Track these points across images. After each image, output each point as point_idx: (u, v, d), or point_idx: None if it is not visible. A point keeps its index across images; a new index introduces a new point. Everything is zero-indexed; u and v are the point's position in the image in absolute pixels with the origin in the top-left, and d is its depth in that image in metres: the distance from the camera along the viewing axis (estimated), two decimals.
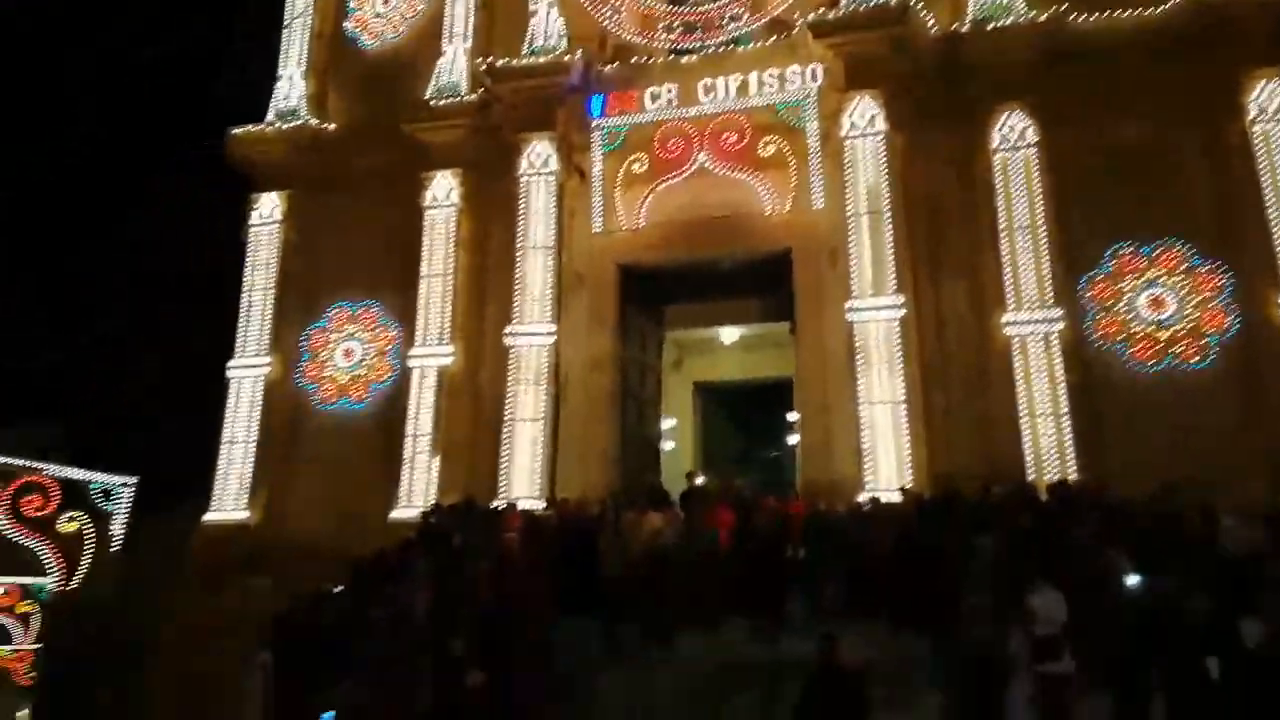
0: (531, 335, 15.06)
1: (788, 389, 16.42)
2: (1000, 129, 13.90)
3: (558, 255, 15.41)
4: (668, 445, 17.80)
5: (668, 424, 17.85)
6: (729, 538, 11.19)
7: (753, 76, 15.29)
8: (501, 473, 14.62)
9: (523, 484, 14.42)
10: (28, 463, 17.89)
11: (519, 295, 15.24)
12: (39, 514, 17.01)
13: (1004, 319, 13.31)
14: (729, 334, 18.14)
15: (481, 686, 8.11)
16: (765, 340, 17.79)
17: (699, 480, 13.56)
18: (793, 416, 16.14)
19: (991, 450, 12.93)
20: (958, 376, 13.57)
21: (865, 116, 14.31)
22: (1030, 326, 13.15)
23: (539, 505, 13.54)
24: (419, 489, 15.04)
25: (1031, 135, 13.78)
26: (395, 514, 14.80)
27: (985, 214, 13.80)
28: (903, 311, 13.56)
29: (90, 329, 24.13)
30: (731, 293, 16.46)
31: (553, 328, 15.12)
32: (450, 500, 13.88)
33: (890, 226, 13.83)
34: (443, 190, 16.27)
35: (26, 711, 25.53)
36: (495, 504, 13.64)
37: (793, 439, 16.81)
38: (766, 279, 15.40)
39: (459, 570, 10.81)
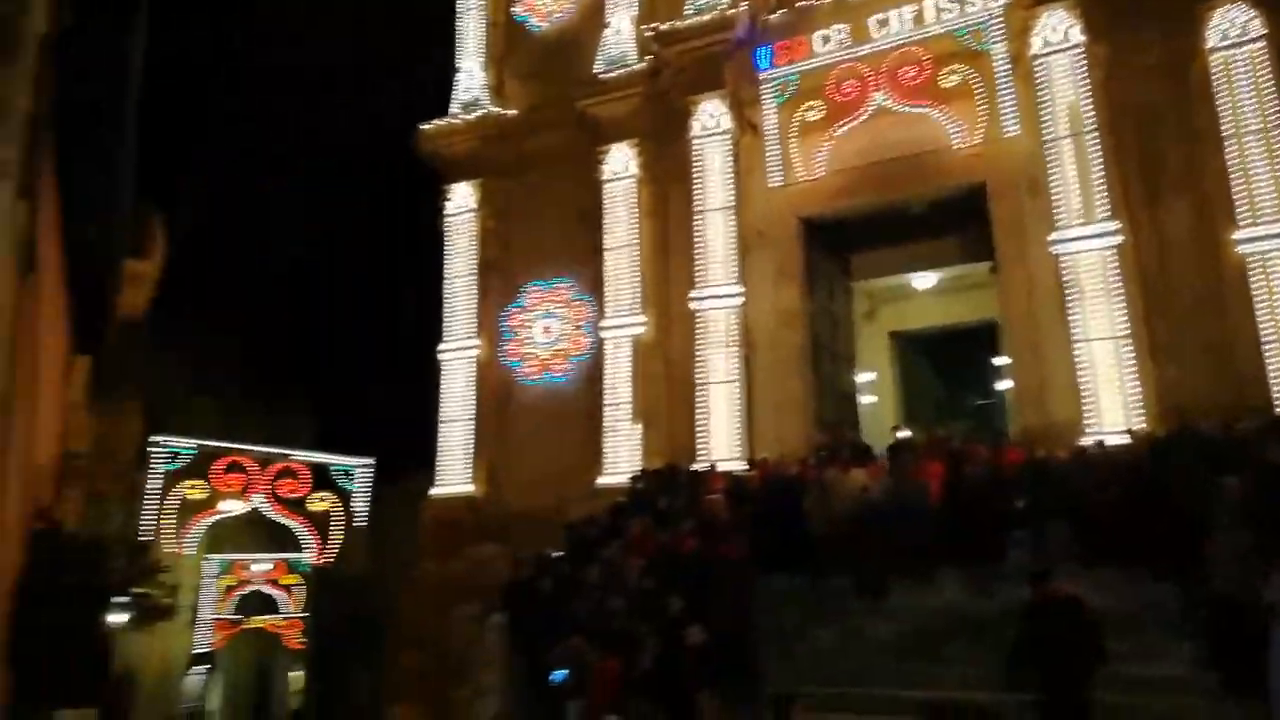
0: (717, 297, 15.10)
1: (992, 332, 15.57)
2: (1218, 25, 12.43)
3: (737, 214, 15.32)
4: (866, 399, 17.38)
5: (865, 377, 17.41)
6: (940, 489, 10.84)
7: (928, 3, 14.49)
8: (699, 436, 14.81)
9: (721, 446, 14.54)
10: (281, 450, 20.04)
11: (701, 258, 15.30)
12: (294, 495, 19.01)
13: (1236, 236, 11.97)
14: (923, 279, 17.37)
15: (700, 644, 8.30)
16: (963, 282, 16.91)
17: (904, 433, 13.17)
18: (1001, 360, 15.31)
19: (1231, 382, 11.71)
20: (1185, 304, 12.37)
21: (1058, 31, 13.23)
22: (1270, 242, 11.75)
23: (739, 466, 13.65)
24: (622, 455, 15.52)
25: (1256, 28, 12.23)
26: (602, 480, 15.35)
27: (1205, 122, 12.41)
28: (1118, 238, 12.50)
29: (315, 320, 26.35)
30: (923, 235, 15.77)
31: (738, 288, 15.08)
32: (654, 465, 14.26)
33: (1096, 147, 12.76)
34: (620, 162, 16.55)
35: (301, 673, 28.79)
36: (696, 467, 13.87)
37: (1003, 384, 15.97)
38: (960, 217, 14.62)
39: (667, 532, 11.17)
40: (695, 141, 15.70)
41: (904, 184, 14.58)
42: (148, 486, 17.32)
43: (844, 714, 8.29)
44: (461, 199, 18.12)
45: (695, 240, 15.40)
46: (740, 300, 15.04)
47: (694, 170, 15.61)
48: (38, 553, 7.38)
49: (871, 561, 10.44)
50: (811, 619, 10.23)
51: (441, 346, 17.74)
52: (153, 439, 17.45)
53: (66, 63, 5.26)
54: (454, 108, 18.41)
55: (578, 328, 17.02)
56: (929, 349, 19.68)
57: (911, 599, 10.13)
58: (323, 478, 18.53)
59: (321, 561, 19.02)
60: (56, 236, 7.26)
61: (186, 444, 18.43)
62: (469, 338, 17.57)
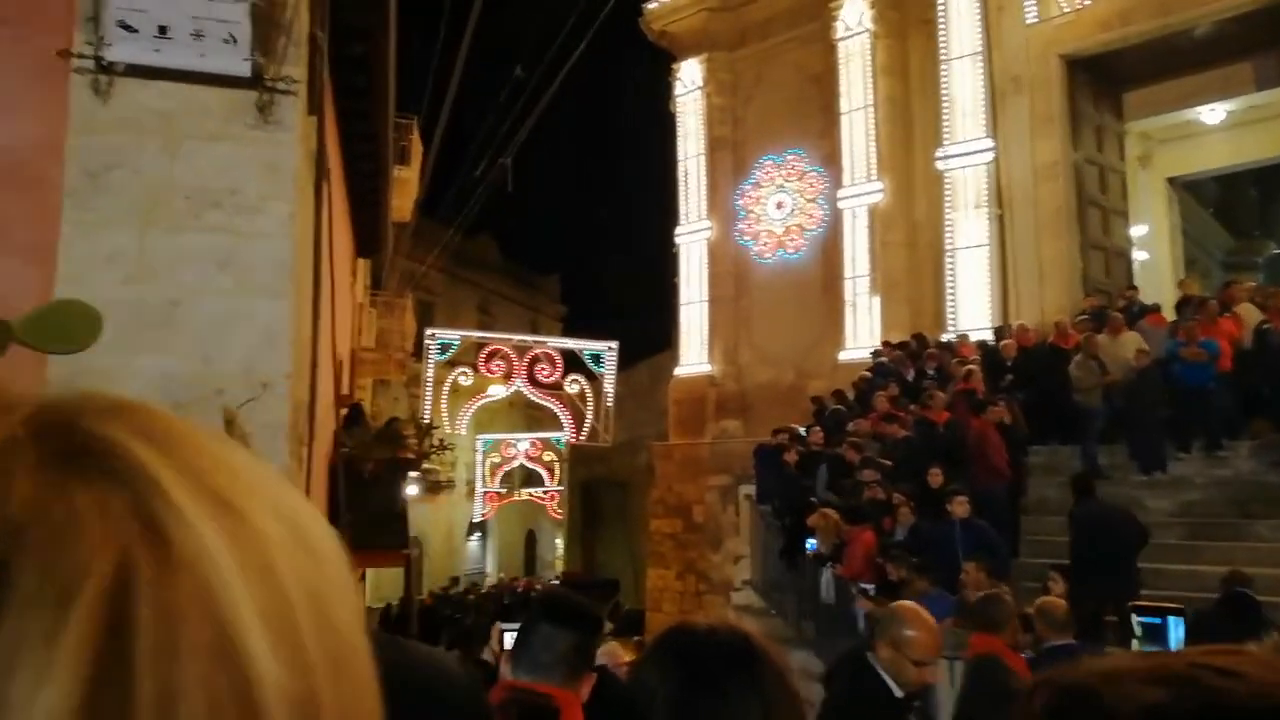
0: (965, 155, 14.04)
1: None
2: None
3: (987, 60, 14.00)
4: (1140, 255, 15.73)
5: (1138, 231, 15.71)
6: (1232, 349, 9.73)
7: None
8: (948, 305, 14.15)
9: (972, 314, 13.83)
10: (536, 338, 21.39)
11: (947, 113, 14.22)
12: (549, 380, 20.32)
13: None
14: (1211, 113, 15.14)
15: (965, 516, 8.13)
16: (1262, 113, 14.60)
17: (1193, 290, 11.82)
18: None
19: None
20: None
21: None
22: None
23: (992, 335, 12.92)
24: (863, 329, 15.18)
25: None
26: (843, 355, 15.14)
27: None
28: None
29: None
30: (1212, 61, 13.67)
31: (989, 143, 13.93)
32: (897, 337, 13.84)
33: None
34: (853, 16, 15.50)
35: (560, 539, 31.41)
36: (944, 337, 13.30)
37: None
38: (1262, 34, 12.49)
39: (917, 403, 10.88)
40: None
41: (1189, 1, 12.60)
42: (425, 375, 19.11)
43: None
44: (689, 77, 17.85)
45: (940, 94, 14.30)
46: (991, 156, 13.92)
47: (937, 15, 14.34)
48: (350, 428, 8.50)
49: (1149, 431, 9.65)
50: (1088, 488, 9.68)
51: (678, 230, 17.92)
52: (425, 332, 19.13)
53: None
54: None
55: (812, 200, 16.55)
56: (1215, 194, 17.37)
57: (1195, 471, 9.32)
58: (574, 361, 19.57)
59: (576, 439, 20.29)
60: (338, 149, 7.97)
61: (453, 335, 20.07)
62: (702, 219, 17.61)
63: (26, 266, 4.30)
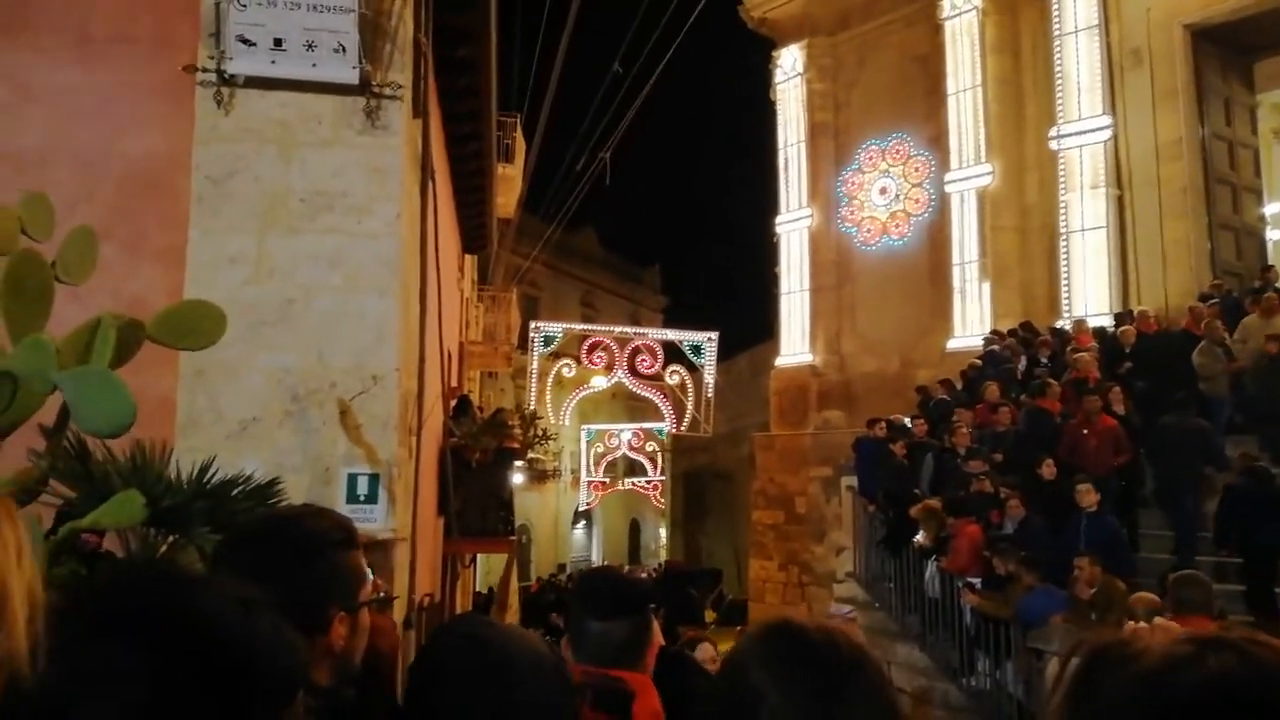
0: (1081, 133, 13.44)
1: None
2: None
3: (1104, 33, 13.35)
4: (1274, 235, 14.71)
5: (1272, 209, 14.69)
6: None
7: None
8: (1062, 290, 13.59)
9: (1088, 300, 13.25)
10: (637, 330, 21.60)
11: (1061, 90, 13.64)
12: (650, 371, 20.50)
13: None
14: None
15: (1092, 509, 7.81)
16: None
17: None
18: None
19: None
20: None
21: None
22: None
23: (1110, 321, 12.34)
24: (972, 317, 14.73)
25: None
26: (952, 344, 14.73)
27: None
28: None
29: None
30: None
31: (1106, 120, 13.29)
32: (1007, 325, 13.38)
33: None
34: None
35: (663, 528, 31.58)
36: (1059, 324, 12.79)
37: None
38: None
39: (1028, 392, 10.50)
40: None
41: None
42: (530, 367, 19.57)
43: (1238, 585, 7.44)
44: (790, 63, 17.64)
45: (1054, 70, 13.71)
46: (1109, 134, 13.28)
47: None
48: (458, 419, 8.79)
49: None
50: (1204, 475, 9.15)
51: (779, 219, 17.76)
52: (530, 325, 19.59)
53: None
54: None
55: (917, 185, 16.13)
56: None
57: None
58: (674, 352, 19.70)
59: (677, 429, 20.39)
60: (443, 149, 8.24)
61: (556, 328, 20.47)
62: (803, 207, 17.39)
63: (160, 269, 4.64)
